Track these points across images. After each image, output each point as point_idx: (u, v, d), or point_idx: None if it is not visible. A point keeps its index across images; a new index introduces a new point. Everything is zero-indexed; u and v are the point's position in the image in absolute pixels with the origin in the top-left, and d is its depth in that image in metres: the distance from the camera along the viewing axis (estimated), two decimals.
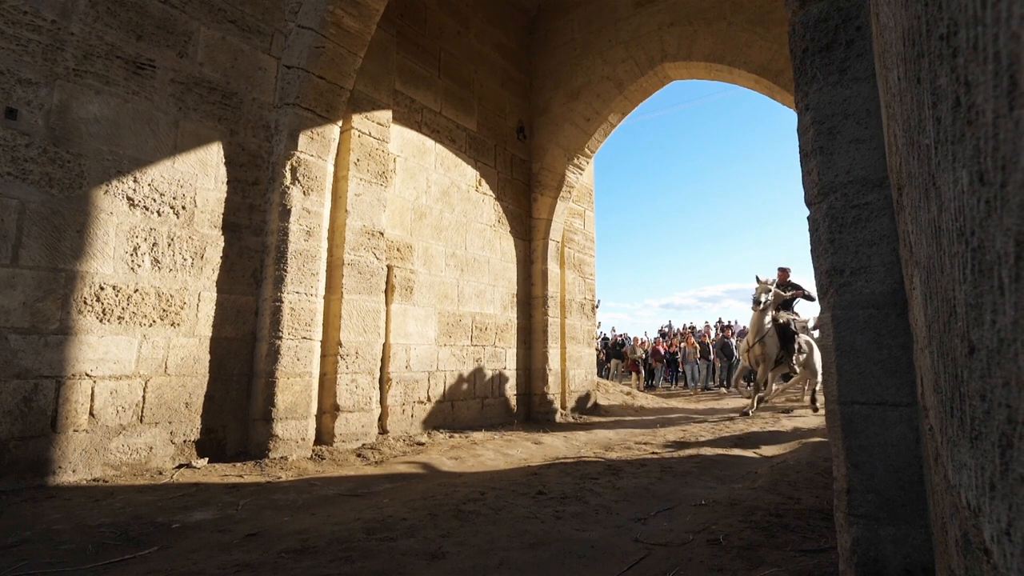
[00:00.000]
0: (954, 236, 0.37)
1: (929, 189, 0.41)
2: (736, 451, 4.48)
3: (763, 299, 7.15)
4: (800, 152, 1.75)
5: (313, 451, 3.94)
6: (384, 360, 4.84)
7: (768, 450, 4.53)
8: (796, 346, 7.37)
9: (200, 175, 3.62)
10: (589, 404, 7.46)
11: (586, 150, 7.01)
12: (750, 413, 7.26)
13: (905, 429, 1.43)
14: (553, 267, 7.00)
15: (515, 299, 6.64)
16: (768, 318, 7.28)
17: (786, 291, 7.77)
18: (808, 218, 1.71)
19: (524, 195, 6.98)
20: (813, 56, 1.70)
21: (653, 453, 4.37)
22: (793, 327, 7.42)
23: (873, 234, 1.53)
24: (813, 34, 1.71)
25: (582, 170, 7.18)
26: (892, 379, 1.47)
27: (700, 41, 5.90)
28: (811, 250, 1.69)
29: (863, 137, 1.59)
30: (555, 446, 4.81)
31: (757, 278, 7.38)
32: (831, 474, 3.41)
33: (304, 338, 3.96)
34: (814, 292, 8.37)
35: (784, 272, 8.05)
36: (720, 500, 2.84)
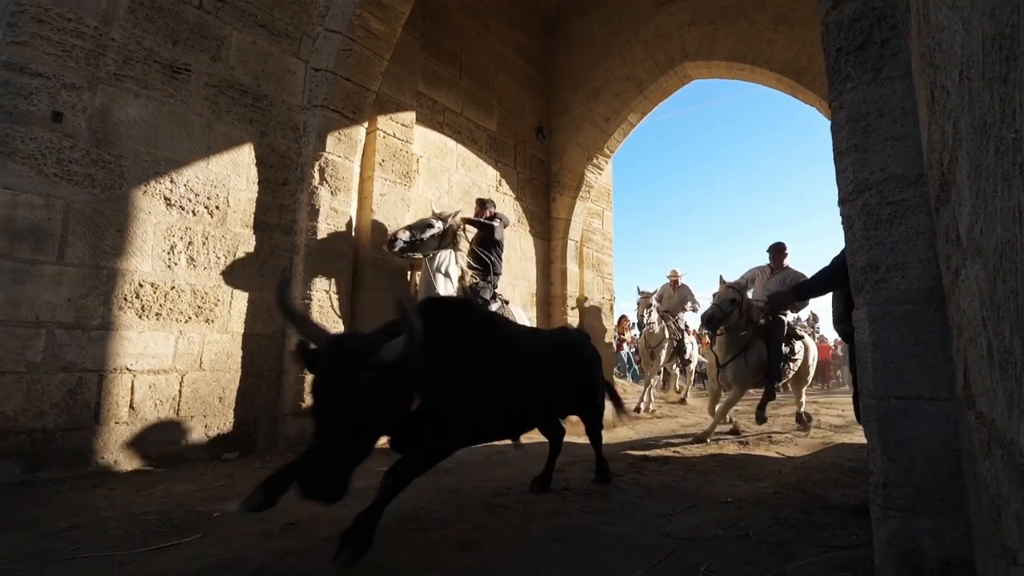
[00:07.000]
0: None
1: (1013, 178, 0.44)
2: (758, 451, 4.47)
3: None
4: (834, 150, 1.76)
5: None
6: None
7: (789, 450, 4.51)
8: None
9: (232, 176, 3.72)
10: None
11: (605, 150, 7.03)
12: None
13: (942, 423, 1.45)
14: (572, 267, 7.02)
15: (535, 298, 6.68)
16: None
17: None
18: (842, 215, 1.72)
19: (543, 195, 7.02)
20: (847, 55, 1.72)
21: (674, 451, 4.38)
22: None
23: (909, 231, 1.55)
24: (847, 33, 1.72)
25: (601, 170, 7.20)
26: (929, 374, 1.48)
27: (721, 40, 5.89)
28: (845, 247, 1.70)
29: (898, 135, 1.60)
30: (576, 444, 4.83)
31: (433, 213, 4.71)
32: (857, 474, 3.40)
33: None
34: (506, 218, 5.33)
35: (482, 205, 5.14)
36: (746, 498, 2.84)
